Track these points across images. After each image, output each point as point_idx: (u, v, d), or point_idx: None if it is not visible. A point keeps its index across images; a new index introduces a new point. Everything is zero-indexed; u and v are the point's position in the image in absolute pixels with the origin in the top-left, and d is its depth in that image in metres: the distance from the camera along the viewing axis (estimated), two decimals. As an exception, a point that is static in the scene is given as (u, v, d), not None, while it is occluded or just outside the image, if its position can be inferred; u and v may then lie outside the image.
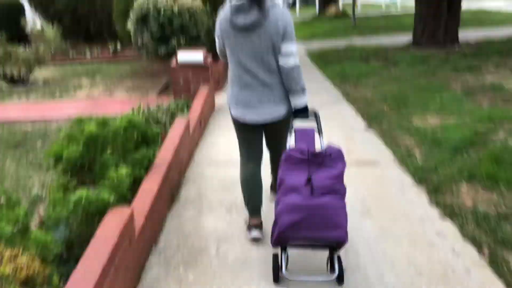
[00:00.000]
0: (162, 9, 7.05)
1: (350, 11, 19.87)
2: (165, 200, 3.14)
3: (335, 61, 9.85)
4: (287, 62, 2.64)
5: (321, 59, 10.25)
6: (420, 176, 3.71)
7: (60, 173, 3.31)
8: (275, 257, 2.49)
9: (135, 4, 7.39)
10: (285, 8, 2.76)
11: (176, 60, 5.87)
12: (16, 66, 8.76)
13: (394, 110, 5.79)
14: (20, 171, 4.77)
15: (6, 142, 5.64)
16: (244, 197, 2.98)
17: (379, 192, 3.56)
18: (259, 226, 2.91)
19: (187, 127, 4.06)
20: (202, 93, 5.56)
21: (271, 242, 2.45)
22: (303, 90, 2.73)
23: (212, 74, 6.27)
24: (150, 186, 2.81)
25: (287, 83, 2.71)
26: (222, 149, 4.61)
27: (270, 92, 2.73)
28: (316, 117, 2.83)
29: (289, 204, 2.32)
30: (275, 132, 2.92)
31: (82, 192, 2.33)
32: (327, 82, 7.96)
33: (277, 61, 2.67)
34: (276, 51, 2.65)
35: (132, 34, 7.71)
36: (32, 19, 15.03)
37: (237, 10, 2.60)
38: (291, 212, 2.30)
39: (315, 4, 29.96)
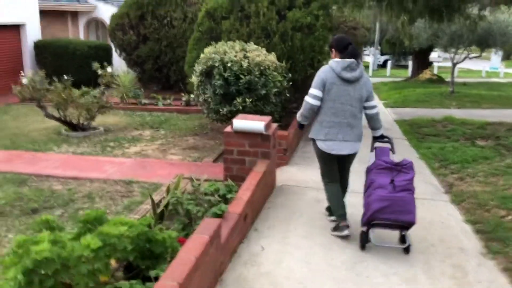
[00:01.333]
0: (229, 63, 6.06)
1: (445, 76, 18.06)
2: None
3: (431, 137, 8.22)
4: (372, 111, 3.81)
5: (414, 132, 8.67)
6: None
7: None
8: (364, 232, 3.57)
9: (202, 56, 6.51)
10: None
11: (232, 126, 4.73)
12: (77, 111, 8.22)
13: (521, 223, 4.12)
14: (16, 252, 3.78)
15: (25, 205, 4.77)
16: (334, 206, 3.85)
17: None
18: (348, 226, 3.72)
19: (216, 233, 2.80)
20: (257, 172, 4.32)
21: (362, 223, 3.59)
22: (381, 126, 3.90)
23: (275, 146, 5.04)
24: None
25: (371, 124, 3.88)
26: (268, 267, 3.23)
27: (352, 132, 3.69)
28: (390, 139, 3.90)
29: (379, 195, 3.41)
30: (349, 162, 3.91)
31: None
32: (423, 164, 6.39)
33: (360, 109, 3.73)
34: (361, 101, 3.70)
35: (195, 88, 6.82)
36: (118, 64, 15.16)
37: (347, 67, 3.57)
38: (380, 201, 3.39)
39: (407, 66, 28.37)
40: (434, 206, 4.67)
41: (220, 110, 6.24)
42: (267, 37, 7.63)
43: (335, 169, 3.83)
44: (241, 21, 7.72)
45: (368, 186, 3.56)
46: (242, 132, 4.69)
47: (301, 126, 4.03)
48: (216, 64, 6.14)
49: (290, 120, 7.49)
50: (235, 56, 6.19)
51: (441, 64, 30.27)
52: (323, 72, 3.62)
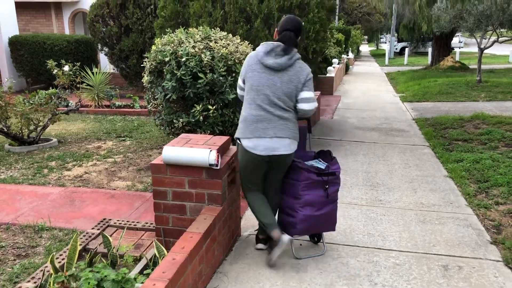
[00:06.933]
0: (183, 58, 4.41)
1: (468, 62, 16.01)
2: None
3: (461, 143, 6.47)
4: (303, 106, 3.08)
5: (439, 136, 6.93)
6: None
7: None
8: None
9: (152, 48, 4.87)
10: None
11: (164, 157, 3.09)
12: (20, 121, 6.71)
13: None
14: None
15: None
16: (262, 215, 3.12)
17: None
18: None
19: None
20: (192, 236, 2.68)
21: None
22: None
23: (234, 182, 3.39)
24: None
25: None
26: None
27: (285, 127, 3.02)
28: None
29: (305, 215, 3.13)
30: (282, 166, 3.11)
31: None
32: (453, 187, 4.68)
33: (291, 105, 3.06)
34: (291, 97, 3.03)
35: (146, 91, 5.20)
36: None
37: (271, 50, 2.99)
38: (306, 221, 3.14)
39: (426, 53, 26.32)
40: (477, 273, 2.98)
41: (175, 121, 4.60)
42: (247, 22, 5.96)
43: (260, 177, 3.17)
44: (214, 1, 6.05)
45: (293, 195, 3.14)
46: (178, 165, 3.06)
47: None
48: (167, 59, 4.50)
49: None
50: (193, 47, 4.54)
51: (463, 50, 28.09)
52: (247, 57, 3.11)
